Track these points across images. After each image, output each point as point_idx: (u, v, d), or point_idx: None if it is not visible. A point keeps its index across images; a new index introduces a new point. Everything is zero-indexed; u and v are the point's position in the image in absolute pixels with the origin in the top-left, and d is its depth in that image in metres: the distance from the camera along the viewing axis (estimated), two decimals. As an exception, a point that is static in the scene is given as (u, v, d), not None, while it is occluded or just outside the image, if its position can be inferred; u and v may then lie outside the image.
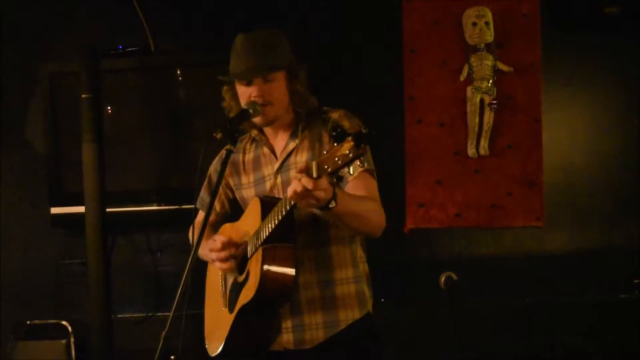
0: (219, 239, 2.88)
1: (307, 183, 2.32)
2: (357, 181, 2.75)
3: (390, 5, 4.91)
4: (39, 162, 5.10)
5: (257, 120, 2.83)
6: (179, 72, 5.03)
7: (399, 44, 4.91)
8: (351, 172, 2.25)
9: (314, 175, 2.29)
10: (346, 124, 2.77)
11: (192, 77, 5.05)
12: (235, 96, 2.89)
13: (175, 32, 5.10)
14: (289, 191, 2.39)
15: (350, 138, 2.19)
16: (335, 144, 2.23)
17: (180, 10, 5.08)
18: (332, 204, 2.44)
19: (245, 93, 2.81)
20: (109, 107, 4.97)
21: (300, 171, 2.37)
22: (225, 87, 2.94)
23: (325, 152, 2.27)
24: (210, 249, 2.91)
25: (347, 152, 2.19)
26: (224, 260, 2.86)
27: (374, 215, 2.74)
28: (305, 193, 2.35)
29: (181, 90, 5.07)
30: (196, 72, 5.03)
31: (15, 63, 5.17)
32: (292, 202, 2.46)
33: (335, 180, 2.31)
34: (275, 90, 2.80)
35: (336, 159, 2.22)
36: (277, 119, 2.87)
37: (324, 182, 2.37)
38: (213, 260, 2.91)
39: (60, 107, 4.99)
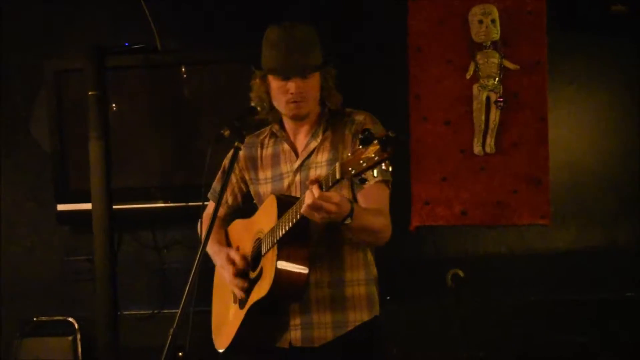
0: (236, 258, 2.88)
1: (321, 197, 2.38)
2: (371, 190, 2.74)
3: (396, 3, 4.91)
4: (45, 159, 5.11)
5: (289, 113, 2.84)
6: (184, 69, 5.03)
7: (405, 42, 4.91)
8: (375, 175, 2.26)
9: (337, 176, 2.31)
10: (370, 127, 2.78)
11: (198, 74, 5.05)
12: (262, 87, 2.87)
13: (181, 30, 5.10)
14: (304, 208, 2.44)
15: (376, 141, 2.19)
16: (361, 147, 2.23)
17: (186, 7, 5.08)
18: (349, 221, 2.49)
19: (282, 88, 2.80)
20: (114, 105, 4.97)
21: (311, 183, 2.40)
22: (256, 79, 2.90)
23: (349, 154, 2.28)
24: (221, 265, 2.93)
25: (373, 155, 2.19)
26: (237, 285, 2.87)
27: (383, 230, 2.76)
28: (317, 206, 2.39)
29: (186, 88, 5.07)
30: (202, 69, 5.03)
31: (21, 61, 5.18)
32: (299, 215, 2.50)
33: (358, 182, 2.31)
34: (312, 88, 2.82)
35: (361, 161, 2.22)
36: (311, 113, 2.88)
37: (335, 196, 2.41)
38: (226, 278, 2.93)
39: (66, 104, 4.99)
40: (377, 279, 2.95)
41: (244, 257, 2.90)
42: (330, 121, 2.89)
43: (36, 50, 5.12)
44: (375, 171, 2.23)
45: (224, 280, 3.04)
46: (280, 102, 2.84)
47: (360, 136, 2.23)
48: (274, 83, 2.82)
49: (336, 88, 2.90)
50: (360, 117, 2.85)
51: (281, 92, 2.81)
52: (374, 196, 2.76)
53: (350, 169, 2.26)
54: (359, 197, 2.78)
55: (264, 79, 2.87)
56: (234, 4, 5.03)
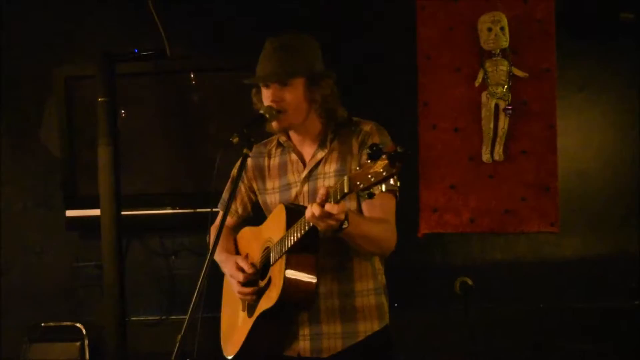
0: (244, 265, 2.86)
1: (332, 208, 2.36)
2: (376, 200, 2.70)
3: (406, 11, 4.92)
4: (55, 165, 5.13)
5: (273, 125, 2.82)
6: (193, 76, 5.05)
7: (414, 50, 4.91)
8: (383, 189, 2.25)
9: (345, 190, 2.30)
10: (376, 138, 2.77)
11: (207, 81, 5.06)
12: (258, 98, 2.89)
13: (190, 37, 5.11)
14: (307, 214, 2.42)
15: (385, 156, 2.19)
16: (369, 161, 2.22)
17: (195, 14, 5.10)
18: (345, 225, 2.46)
19: (265, 96, 2.82)
20: (123, 111, 4.99)
21: (322, 199, 2.38)
22: (253, 90, 2.92)
23: (357, 168, 2.27)
24: (230, 273, 2.91)
25: (381, 170, 2.19)
26: (245, 293, 2.87)
27: (384, 238, 2.74)
28: (327, 217, 2.38)
29: (195, 94, 5.09)
30: (210, 76, 5.05)
31: (31, 67, 5.19)
32: (310, 224, 2.48)
33: (367, 196, 2.30)
34: (290, 97, 2.78)
35: (369, 176, 2.22)
36: (293, 127, 2.87)
37: (343, 205, 2.39)
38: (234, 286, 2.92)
39: (75, 110, 5.02)
40: (386, 287, 2.95)
41: (252, 265, 2.89)
42: (337, 131, 2.87)
43: (46, 57, 5.14)
44: (383, 186, 2.23)
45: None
46: None
47: (368, 151, 2.22)
48: (262, 92, 2.84)
49: (337, 101, 2.86)
50: (366, 127, 2.83)
51: (265, 101, 2.81)
52: (379, 206, 2.75)
53: (358, 183, 2.25)
54: (364, 207, 2.78)
55: (258, 89, 2.89)
56: (243, 11, 5.04)
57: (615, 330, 4.82)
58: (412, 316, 4.70)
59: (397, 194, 2.81)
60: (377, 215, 2.74)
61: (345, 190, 2.31)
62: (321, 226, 2.45)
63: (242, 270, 2.87)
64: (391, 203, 2.80)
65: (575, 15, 4.91)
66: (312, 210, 2.40)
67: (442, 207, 4.90)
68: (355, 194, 2.71)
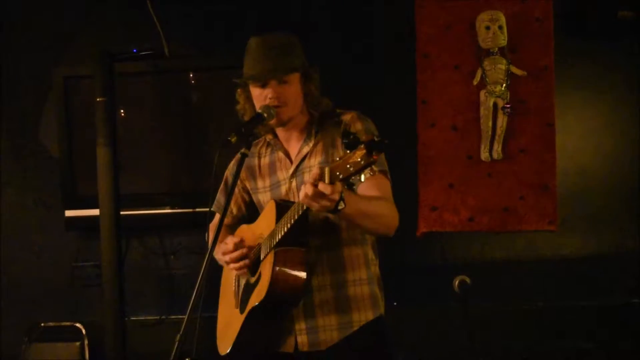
0: (230, 240, 2.90)
1: (325, 188, 2.33)
2: (370, 181, 2.72)
3: (404, 9, 4.92)
4: (53, 165, 5.13)
5: (272, 122, 2.84)
6: (192, 75, 5.05)
7: (413, 48, 4.91)
8: (362, 180, 2.25)
9: (326, 181, 2.30)
10: (358, 126, 2.79)
11: (205, 80, 5.07)
12: (249, 99, 2.91)
13: (189, 36, 5.11)
14: (301, 195, 2.41)
15: (362, 146, 2.19)
16: (348, 151, 2.23)
17: (193, 14, 5.10)
18: (341, 205, 2.43)
19: (261, 95, 2.83)
20: (122, 111, 4.99)
21: (315, 178, 2.38)
22: (238, 90, 2.96)
23: (337, 159, 2.28)
24: (222, 252, 2.93)
25: (359, 159, 2.20)
26: (236, 260, 2.88)
27: (386, 215, 2.74)
28: (320, 197, 2.36)
29: (194, 94, 5.09)
30: (209, 75, 5.05)
31: (30, 66, 5.20)
32: (305, 207, 2.48)
33: (346, 187, 2.31)
34: (290, 92, 2.82)
35: (348, 166, 2.23)
36: (291, 120, 2.89)
37: (338, 185, 2.37)
38: (227, 263, 2.93)
39: (74, 110, 5.01)
40: (380, 278, 2.95)
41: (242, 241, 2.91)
42: (320, 124, 2.90)
43: (45, 57, 5.14)
44: (362, 175, 2.23)
45: (229, 285, 3.06)
46: None
47: (345, 141, 2.23)
48: (254, 91, 2.86)
49: (319, 94, 2.92)
50: (347, 117, 2.86)
51: (261, 99, 2.83)
52: (373, 187, 2.75)
53: (338, 173, 2.26)
54: (359, 190, 2.78)
55: (245, 89, 2.91)
56: (241, 11, 5.04)
57: (615, 328, 4.82)
58: (411, 314, 4.71)
59: (389, 175, 2.82)
60: (374, 194, 2.74)
61: (327, 182, 2.30)
62: (315, 207, 2.42)
63: (231, 242, 2.89)
64: (384, 182, 2.80)
65: (574, 13, 4.91)
66: (305, 190, 2.38)
67: (441, 206, 4.90)
68: None
